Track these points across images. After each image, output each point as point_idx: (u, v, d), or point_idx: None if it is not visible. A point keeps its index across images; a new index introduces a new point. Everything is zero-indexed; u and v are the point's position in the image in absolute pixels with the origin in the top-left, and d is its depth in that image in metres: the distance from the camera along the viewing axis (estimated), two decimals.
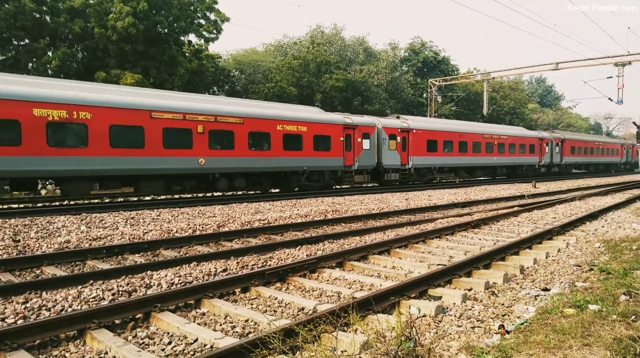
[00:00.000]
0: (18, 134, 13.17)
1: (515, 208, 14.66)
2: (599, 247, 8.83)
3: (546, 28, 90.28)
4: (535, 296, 5.97)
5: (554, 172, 40.65)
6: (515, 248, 8.53)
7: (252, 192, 20.01)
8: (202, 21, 33.40)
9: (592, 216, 12.97)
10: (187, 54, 33.37)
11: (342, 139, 22.06)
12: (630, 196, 19.40)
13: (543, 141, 37.78)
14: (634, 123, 63.17)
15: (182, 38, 33.27)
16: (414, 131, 26.38)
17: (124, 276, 6.66)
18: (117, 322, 5.01)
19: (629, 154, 56.73)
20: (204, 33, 33.38)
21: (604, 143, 50.22)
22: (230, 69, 43.12)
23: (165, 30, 31.05)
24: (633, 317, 4.53)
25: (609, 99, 34.10)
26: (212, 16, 33.39)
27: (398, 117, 27.62)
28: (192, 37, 34.06)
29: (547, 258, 8.11)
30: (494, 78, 45.28)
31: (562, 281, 6.60)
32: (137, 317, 5.19)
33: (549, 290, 6.22)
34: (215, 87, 40.28)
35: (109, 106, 14.89)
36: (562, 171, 41.79)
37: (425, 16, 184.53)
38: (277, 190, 21.30)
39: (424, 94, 48.51)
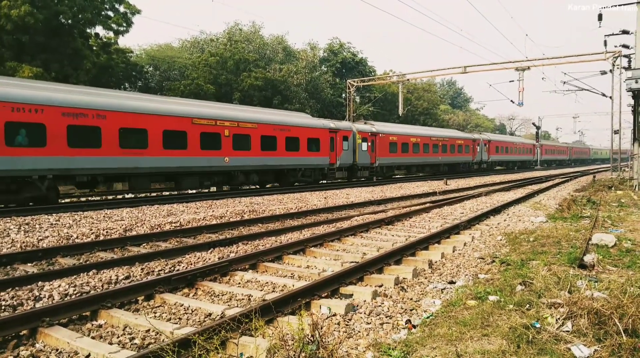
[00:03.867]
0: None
1: (427, 205, 15.25)
2: (500, 240, 9.36)
3: (455, 33, 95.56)
4: (442, 289, 6.16)
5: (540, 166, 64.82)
6: (425, 243, 8.81)
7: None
8: (111, 13, 31.40)
9: (496, 211, 13.82)
10: (94, 48, 31.21)
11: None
12: (529, 191, 20.97)
13: (535, 146, 63.79)
14: (534, 124, 68.79)
15: (88, 30, 31.02)
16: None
17: (9, 289, 5.99)
18: None
19: None
20: (113, 25, 31.39)
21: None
22: (143, 65, 41.01)
23: (69, 21, 28.74)
24: (527, 305, 4.78)
25: (511, 101, 36.74)
26: (122, 8, 31.50)
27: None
28: (99, 29, 31.95)
29: (454, 251, 8.45)
30: (408, 80, 47.02)
31: (467, 273, 6.88)
32: (22, 333, 4.68)
33: (454, 282, 6.45)
34: (127, 84, 38.09)
35: None
36: (542, 165, 66.88)
37: (343, 18, 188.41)
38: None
39: (343, 95, 49.18)
